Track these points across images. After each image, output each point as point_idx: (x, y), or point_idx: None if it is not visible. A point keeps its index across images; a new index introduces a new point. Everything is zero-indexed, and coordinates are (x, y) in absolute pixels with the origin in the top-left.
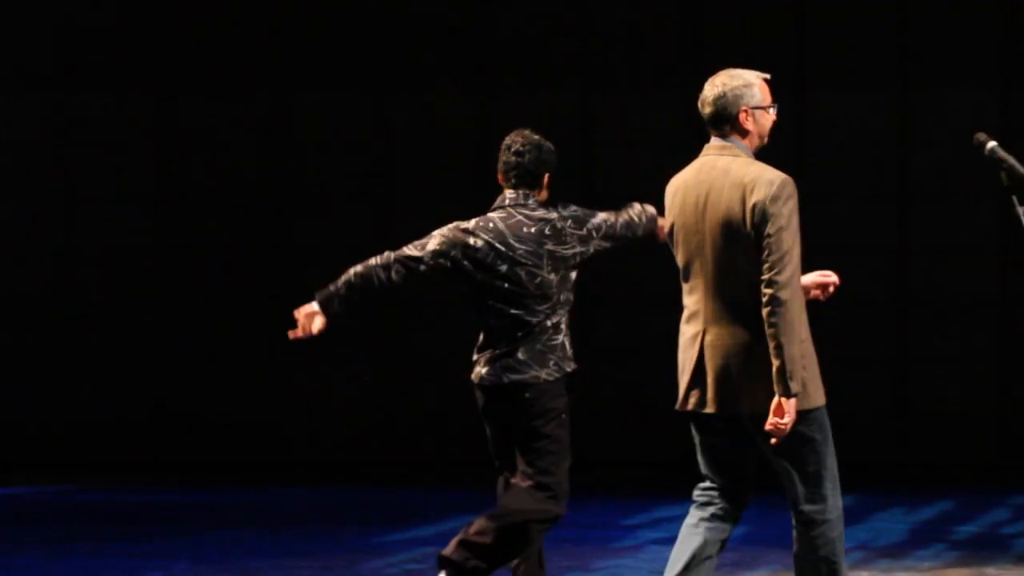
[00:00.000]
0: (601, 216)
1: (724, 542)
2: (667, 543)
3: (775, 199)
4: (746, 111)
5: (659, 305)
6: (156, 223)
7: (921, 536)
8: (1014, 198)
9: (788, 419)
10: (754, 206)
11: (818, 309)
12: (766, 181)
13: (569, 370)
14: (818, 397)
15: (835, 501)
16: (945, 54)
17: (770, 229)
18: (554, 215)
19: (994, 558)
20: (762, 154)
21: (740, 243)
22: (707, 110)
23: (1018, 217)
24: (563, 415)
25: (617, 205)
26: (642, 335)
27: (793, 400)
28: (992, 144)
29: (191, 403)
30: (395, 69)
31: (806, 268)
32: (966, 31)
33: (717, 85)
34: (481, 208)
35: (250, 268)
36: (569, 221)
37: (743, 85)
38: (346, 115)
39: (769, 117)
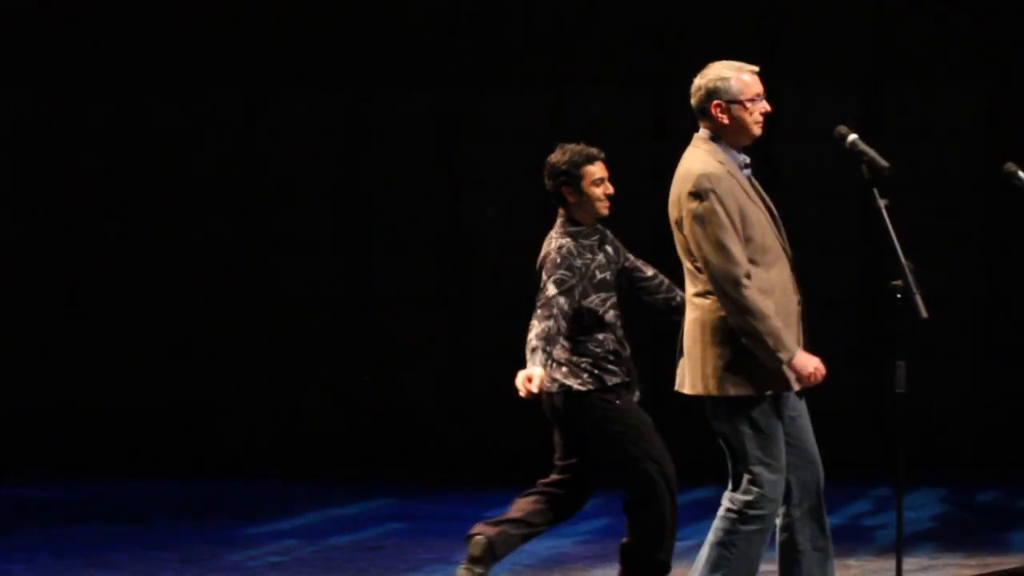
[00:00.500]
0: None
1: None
2: None
3: (687, 196)
4: (718, 104)
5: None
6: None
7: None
8: (874, 191)
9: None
10: (679, 197)
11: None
12: (690, 175)
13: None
14: (740, 387)
15: (751, 496)
16: (811, 45)
17: (687, 222)
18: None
19: (855, 550)
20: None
21: (681, 232)
22: (691, 102)
23: (879, 209)
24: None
25: None
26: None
27: (726, 379)
28: (853, 137)
29: (52, 399)
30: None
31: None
32: (832, 23)
33: (697, 79)
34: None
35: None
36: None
37: (716, 79)
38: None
39: (752, 109)
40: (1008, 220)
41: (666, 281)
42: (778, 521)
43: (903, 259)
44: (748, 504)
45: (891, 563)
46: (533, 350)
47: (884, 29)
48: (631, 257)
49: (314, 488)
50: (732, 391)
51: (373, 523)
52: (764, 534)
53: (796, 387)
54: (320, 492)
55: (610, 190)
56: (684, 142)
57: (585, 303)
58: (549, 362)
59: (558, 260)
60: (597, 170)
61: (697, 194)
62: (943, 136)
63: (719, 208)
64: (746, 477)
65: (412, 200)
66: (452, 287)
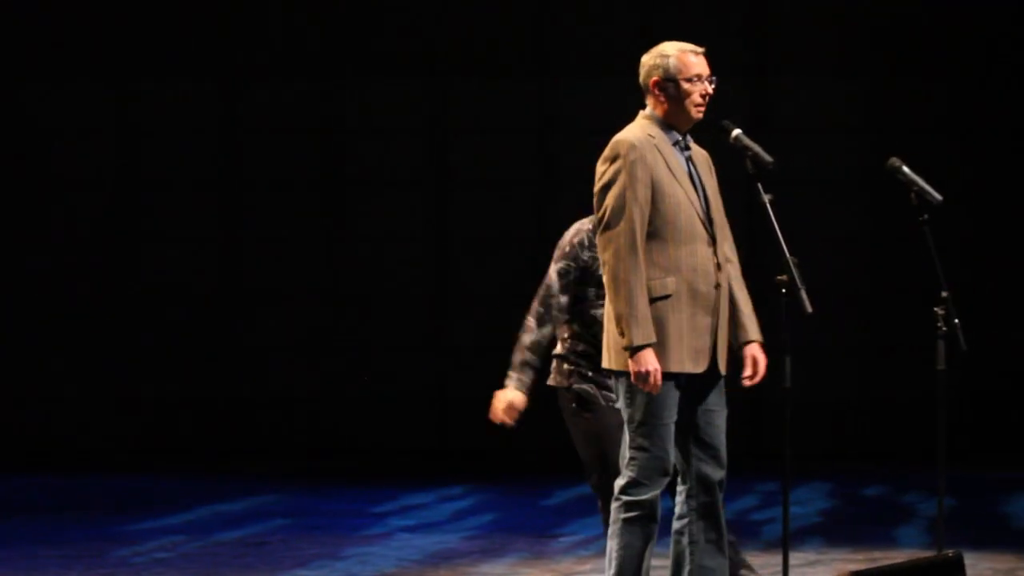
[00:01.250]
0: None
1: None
2: (416, 530)
3: (603, 158)
4: (656, 82)
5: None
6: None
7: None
8: (759, 185)
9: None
10: (597, 163)
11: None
12: (611, 142)
13: None
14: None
15: (624, 480)
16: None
17: (595, 187)
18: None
19: (742, 544)
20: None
21: None
22: (639, 79)
23: (764, 205)
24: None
25: None
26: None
27: (626, 354)
28: (737, 132)
29: None
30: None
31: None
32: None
33: (644, 56)
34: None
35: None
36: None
37: (658, 56)
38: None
39: (691, 89)
40: (892, 215)
41: None
42: (675, 510)
43: (787, 254)
44: (622, 489)
45: (778, 558)
46: (522, 364)
47: (769, 23)
48: None
49: (200, 483)
50: (622, 366)
51: (259, 519)
52: (646, 522)
53: (695, 369)
54: (205, 487)
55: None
56: (568, 134)
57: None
58: (560, 364)
59: (566, 249)
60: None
61: (610, 158)
62: (828, 131)
63: (625, 174)
64: (624, 459)
65: (293, 194)
66: (326, 281)
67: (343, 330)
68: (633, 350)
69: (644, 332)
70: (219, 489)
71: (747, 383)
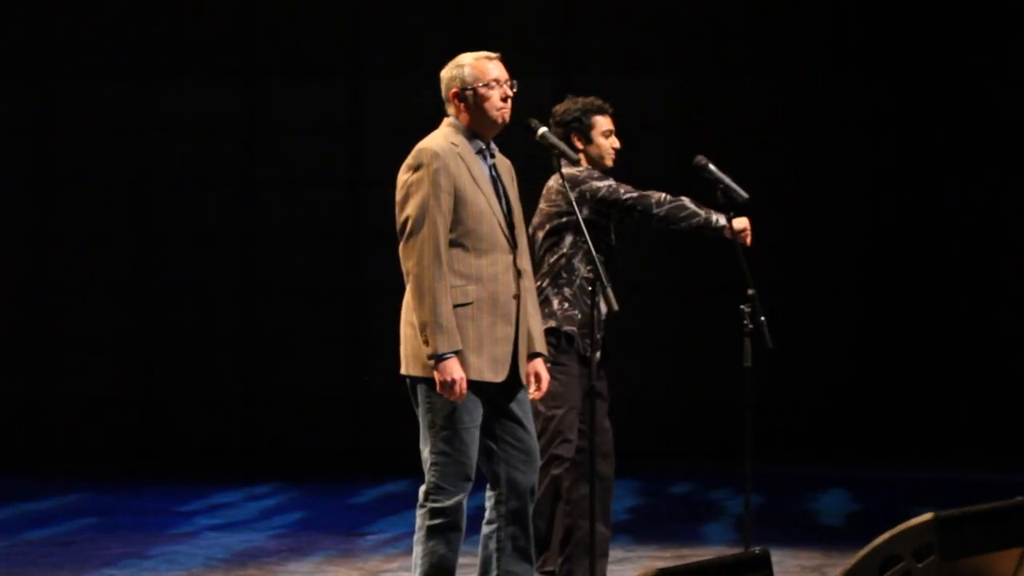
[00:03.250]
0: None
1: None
2: (223, 529)
3: (406, 167)
4: (456, 92)
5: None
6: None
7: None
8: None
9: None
10: (400, 171)
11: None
12: (414, 150)
13: None
14: (430, 370)
15: (427, 486)
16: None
17: (398, 192)
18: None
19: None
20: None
21: None
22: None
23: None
24: None
25: None
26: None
27: (426, 360)
28: (543, 130)
29: None
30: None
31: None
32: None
33: (441, 72)
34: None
35: None
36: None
37: (454, 66)
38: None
39: (489, 94)
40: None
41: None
42: (485, 515)
43: (594, 252)
44: (425, 495)
45: (585, 558)
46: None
47: (576, 22)
48: None
49: (7, 483)
50: (422, 372)
51: (67, 518)
52: (450, 529)
53: (495, 378)
54: (13, 487)
55: (617, 144)
56: (376, 134)
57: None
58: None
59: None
60: (606, 122)
61: (413, 166)
62: (637, 129)
63: (429, 181)
64: (426, 464)
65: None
66: (133, 278)
67: (150, 328)
68: (438, 359)
69: (450, 340)
70: (26, 489)
71: (533, 396)
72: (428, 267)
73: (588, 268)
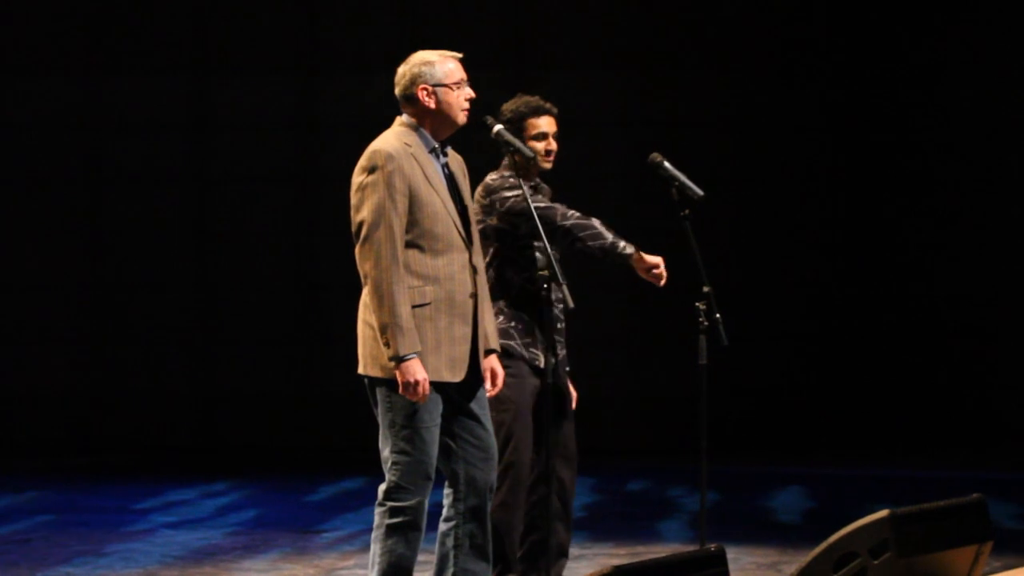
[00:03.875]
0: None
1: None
2: (179, 527)
3: (359, 169)
4: (424, 88)
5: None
6: None
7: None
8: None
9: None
10: (354, 174)
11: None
12: (367, 152)
13: None
14: (389, 371)
15: (387, 485)
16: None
17: (353, 195)
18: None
19: None
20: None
21: None
22: (396, 91)
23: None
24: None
25: None
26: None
27: (392, 364)
28: (499, 127)
29: None
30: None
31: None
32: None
33: (401, 67)
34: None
35: None
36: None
37: (421, 63)
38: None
39: (457, 94)
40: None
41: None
42: (443, 512)
43: (549, 248)
44: (386, 494)
45: (542, 559)
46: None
47: (526, 18)
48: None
49: None
50: (381, 373)
51: (22, 516)
52: (409, 529)
53: (453, 378)
54: None
55: (553, 146)
56: (329, 131)
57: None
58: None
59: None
60: (541, 123)
61: (367, 168)
62: (592, 125)
63: (384, 183)
64: (387, 463)
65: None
66: (84, 274)
67: (104, 325)
68: (399, 360)
69: (410, 342)
70: None
71: (489, 393)
72: (386, 270)
73: (523, 276)
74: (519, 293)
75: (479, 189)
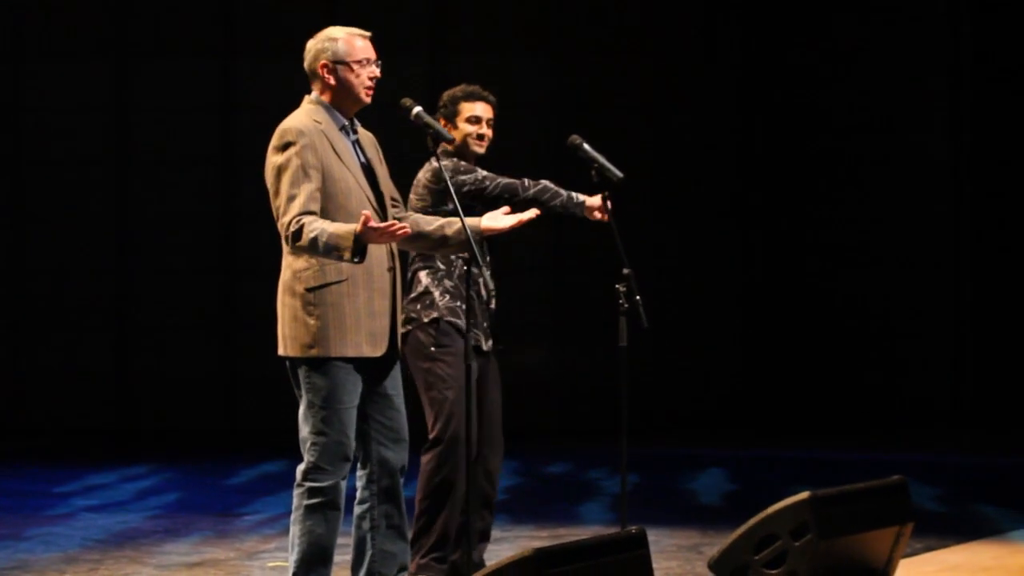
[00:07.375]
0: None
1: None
2: (100, 510)
3: (272, 148)
4: (325, 65)
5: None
6: None
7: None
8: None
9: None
10: (267, 154)
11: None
12: (278, 130)
13: None
14: (306, 350)
15: (304, 465)
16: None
17: (268, 173)
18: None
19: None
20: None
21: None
22: (304, 65)
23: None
24: None
25: None
26: (70, 311)
27: (303, 341)
28: (417, 109)
29: None
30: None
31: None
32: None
33: (309, 41)
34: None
35: None
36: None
37: (325, 39)
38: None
39: (361, 72)
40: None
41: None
42: (357, 494)
43: (469, 231)
44: (304, 474)
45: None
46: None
47: (447, 2)
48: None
49: None
50: (299, 352)
51: None
52: (328, 509)
53: (374, 352)
54: None
55: (485, 131)
56: (248, 113)
57: None
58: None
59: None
60: (473, 107)
61: (279, 147)
62: (512, 107)
63: (296, 160)
64: (305, 444)
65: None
66: (4, 258)
67: (22, 307)
68: (358, 245)
69: (346, 232)
70: None
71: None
72: (307, 224)
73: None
74: (463, 274)
75: (426, 175)
